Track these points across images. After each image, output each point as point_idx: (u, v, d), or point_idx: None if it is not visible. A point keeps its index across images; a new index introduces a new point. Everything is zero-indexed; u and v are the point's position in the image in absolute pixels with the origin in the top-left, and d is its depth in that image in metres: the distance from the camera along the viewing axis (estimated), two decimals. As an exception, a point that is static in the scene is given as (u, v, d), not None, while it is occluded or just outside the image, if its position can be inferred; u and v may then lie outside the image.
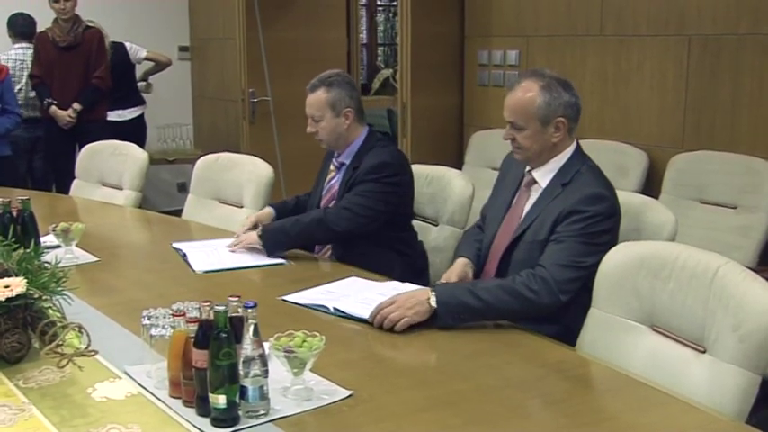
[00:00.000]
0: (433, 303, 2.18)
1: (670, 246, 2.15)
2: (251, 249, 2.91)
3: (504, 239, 2.53)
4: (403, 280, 2.57)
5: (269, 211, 3.17)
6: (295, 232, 2.89)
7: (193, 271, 2.75)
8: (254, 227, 3.04)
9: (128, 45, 6.08)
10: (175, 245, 3.02)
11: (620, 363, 2.04)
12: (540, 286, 2.24)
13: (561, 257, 2.29)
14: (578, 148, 2.52)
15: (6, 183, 4.58)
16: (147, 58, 6.23)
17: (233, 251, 2.93)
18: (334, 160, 3.13)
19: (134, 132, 5.88)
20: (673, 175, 3.95)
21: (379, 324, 2.18)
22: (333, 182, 3.12)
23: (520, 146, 2.48)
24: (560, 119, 2.43)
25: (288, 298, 2.43)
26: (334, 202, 3.07)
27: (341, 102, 3.00)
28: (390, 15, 9.87)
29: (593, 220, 2.32)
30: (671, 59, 4.07)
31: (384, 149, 3.04)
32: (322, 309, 2.34)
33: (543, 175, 2.49)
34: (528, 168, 2.55)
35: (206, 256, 2.89)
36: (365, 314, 2.23)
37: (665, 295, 2.04)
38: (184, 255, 2.91)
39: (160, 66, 6.39)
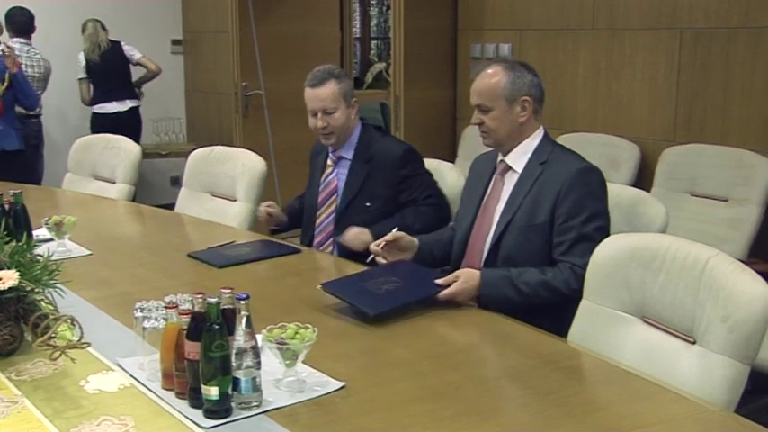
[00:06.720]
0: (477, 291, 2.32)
1: (661, 238, 2.16)
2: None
3: (484, 229, 2.54)
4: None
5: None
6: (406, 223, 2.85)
7: (213, 266, 2.69)
8: (269, 216, 3.16)
9: (124, 45, 6.07)
10: (197, 254, 2.85)
11: (611, 354, 2.05)
12: (581, 284, 2.24)
13: (586, 249, 2.27)
14: (546, 132, 2.55)
15: None
16: (139, 62, 6.19)
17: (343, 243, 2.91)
18: (331, 155, 3.12)
19: (130, 125, 5.86)
20: (664, 168, 3.96)
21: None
22: (330, 177, 3.11)
23: (488, 129, 2.52)
24: (525, 98, 2.48)
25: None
26: (335, 196, 3.08)
27: (350, 92, 3.04)
28: (383, 9, 9.85)
29: (596, 193, 2.39)
30: (662, 53, 4.08)
31: (392, 138, 3.17)
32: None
33: (517, 159, 2.52)
34: (500, 157, 2.57)
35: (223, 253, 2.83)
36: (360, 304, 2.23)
37: (655, 287, 2.05)
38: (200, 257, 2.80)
39: (150, 73, 6.27)
